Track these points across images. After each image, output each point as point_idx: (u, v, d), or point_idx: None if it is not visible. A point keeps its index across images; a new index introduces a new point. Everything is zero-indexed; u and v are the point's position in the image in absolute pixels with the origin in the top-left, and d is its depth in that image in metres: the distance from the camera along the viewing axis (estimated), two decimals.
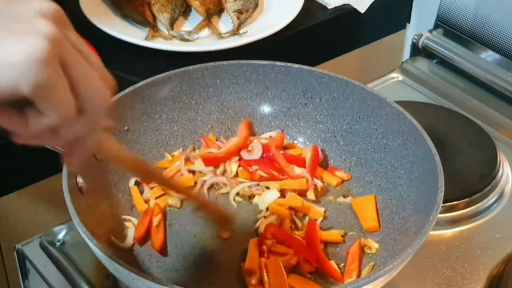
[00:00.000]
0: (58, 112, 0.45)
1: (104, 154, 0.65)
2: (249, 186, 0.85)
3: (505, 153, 0.97)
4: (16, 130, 0.47)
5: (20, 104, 0.45)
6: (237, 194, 0.85)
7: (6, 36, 0.43)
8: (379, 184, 0.84)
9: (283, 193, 0.84)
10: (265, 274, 0.74)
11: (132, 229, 0.79)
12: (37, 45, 0.43)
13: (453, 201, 0.87)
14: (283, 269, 0.74)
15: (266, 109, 0.92)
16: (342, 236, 0.80)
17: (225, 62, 0.90)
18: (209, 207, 0.79)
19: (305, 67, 0.89)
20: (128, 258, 0.76)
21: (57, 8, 0.46)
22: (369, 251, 0.78)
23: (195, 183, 0.86)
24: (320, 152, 0.88)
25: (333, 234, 0.80)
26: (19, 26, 0.44)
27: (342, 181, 0.87)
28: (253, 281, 0.73)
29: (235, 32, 1.11)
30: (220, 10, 1.18)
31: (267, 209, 0.82)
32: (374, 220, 0.80)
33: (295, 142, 0.92)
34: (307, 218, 0.82)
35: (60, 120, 0.46)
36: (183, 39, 1.09)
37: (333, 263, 0.76)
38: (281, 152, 0.89)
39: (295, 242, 0.78)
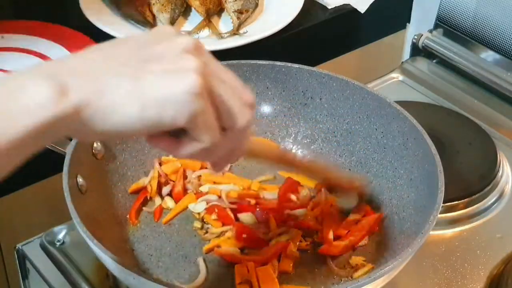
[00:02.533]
0: (208, 137, 0.51)
1: (248, 156, 0.70)
2: None
3: (505, 153, 0.97)
4: (171, 153, 0.54)
5: (176, 132, 0.50)
6: None
7: (163, 76, 0.47)
8: (379, 184, 0.84)
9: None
10: (256, 281, 0.73)
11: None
12: (190, 81, 0.48)
13: (453, 201, 0.87)
14: (275, 278, 0.74)
15: (266, 109, 0.92)
16: None
17: (225, 62, 0.89)
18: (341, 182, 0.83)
19: (305, 67, 0.89)
20: (128, 258, 0.76)
21: (196, 42, 0.51)
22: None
23: None
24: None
25: None
26: (170, 65, 0.48)
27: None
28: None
29: (235, 32, 1.11)
30: (220, 10, 1.18)
31: None
32: None
33: (296, 141, 0.92)
34: None
35: (209, 145, 0.51)
36: None
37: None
38: None
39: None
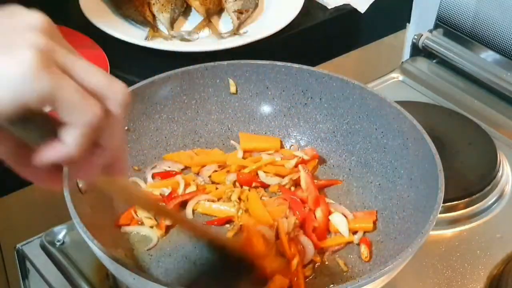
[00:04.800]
0: (80, 115, 0.43)
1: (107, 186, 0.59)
2: None
3: (505, 153, 0.96)
4: (58, 159, 0.45)
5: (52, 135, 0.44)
6: None
7: None
8: (379, 184, 0.84)
9: None
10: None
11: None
12: (26, 57, 0.41)
13: (453, 201, 0.87)
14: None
15: (266, 109, 0.92)
16: None
17: (225, 62, 0.90)
18: (214, 239, 0.76)
19: (305, 67, 0.89)
20: (128, 258, 0.76)
21: (45, 20, 0.45)
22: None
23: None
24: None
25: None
26: (7, 42, 0.42)
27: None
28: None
29: (235, 32, 1.11)
30: (220, 10, 1.18)
31: None
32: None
33: (295, 142, 0.92)
34: None
35: (91, 121, 0.43)
36: (183, 39, 1.09)
37: None
38: None
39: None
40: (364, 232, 0.80)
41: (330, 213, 0.82)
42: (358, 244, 0.79)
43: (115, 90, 0.46)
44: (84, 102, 0.43)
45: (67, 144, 0.43)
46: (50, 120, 0.43)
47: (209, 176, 0.87)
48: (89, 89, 0.44)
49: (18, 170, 0.47)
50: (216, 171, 0.87)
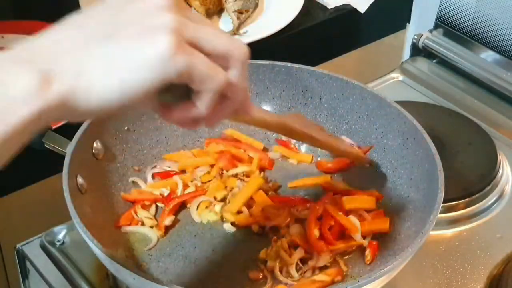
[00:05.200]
0: (209, 84, 0.50)
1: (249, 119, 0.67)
2: None
3: (505, 153, 0.97)
4: (192, 117, 0.53)
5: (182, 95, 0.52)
6: None
7: (134, 40, 0.47)
8: (379, 184, 0.84)
9: None
10: None
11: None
12: (162, 43, 0.46)
13: (453, 201, 0.87)
14: None
15: (266, 109, 0.91)
16: None
17: None
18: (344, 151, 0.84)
19: (305, 67, 0.89)
20: (129, 258, 0.76)
21: None
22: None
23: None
24: None
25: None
26: (140, 26, 0.47)
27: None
28: None
29: (235, 32, 1.11)
30: (220, 10, 1.18)
31: None
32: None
33: (295, 142, 0.92)
34: None
35: (217, 88, 0.51)
36: None
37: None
38: None
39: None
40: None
41: (347, 214, 0.80)
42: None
43: (237, 49, 0.52)
44: (212, 73, 0.50)
45: (198, 107, 0.52)
46: (184, 86, 0.50)
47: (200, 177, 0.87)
48: (216, 53, 0.50)
49: (164, 119, 0.55)
50: (209, 172, 0.87)
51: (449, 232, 0.86)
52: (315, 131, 0.80)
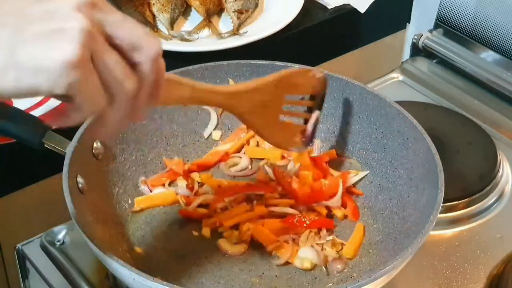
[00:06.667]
0: (91, 104, 0.50)
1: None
2: None
3: (505, 153, 0.97)
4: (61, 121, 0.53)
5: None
6: None
7: (42, 40, 0.46)
8: (379, 184, 0.84)
9: None
10: None
11: None
12: (68, 50, 0.46)
13: (453, 201, 0.87)
14: None
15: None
16: None
17: (225, 62, 0.89)
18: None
19: (305, 67, 0.89)
20: (128, 258, 0.76)
21: None
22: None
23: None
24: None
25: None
26: (53, 25, 0.47)
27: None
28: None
29: (235, 32, 1.11)
30: (220, 10, 1.18)
31: None
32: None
33: None
34: None
35: (93, 111, 0.51)
36: (183, 39, 1.09)
37: None
38: None
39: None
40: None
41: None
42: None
43: (148, 44, 0.52)
44: (96, 99, 0.50)
45: (71, 116, 0.52)
46: None
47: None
48: (125, 43, 0.51)
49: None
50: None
51: (449, 232, 0.86)
52: (261, 118, 0.77)
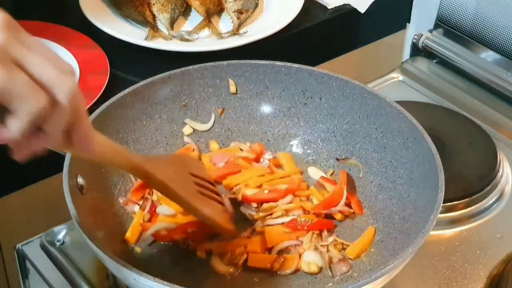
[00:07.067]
0: (26, 105, 0.47)
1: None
2: None
3: (505, 153, 0.97)
4: (4, 141, 0.49)
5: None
6: None
7: None
8: (379, 184, 0.84)
9: None
10: None
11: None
12: None
13: (453, 201, 0.87)
14: None
15: (266, 109, 0.92)
16: None
17: (225, 62, 0.90)
18: (207, 218, 0.75)
19: (305, 67, 0.89)
20: (128, 258, 0.76)
21: (4, 16, 0.48)
22: None
23: None
24: None
25: None
26: None
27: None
28: None
29: (235, 32, 1.11)
30: (220, 10, 1.18)
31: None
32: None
33: (296, 141, 0.92)
34: None
35: (33, 112, 0.47)
36: (183, 39, 1.09)
37: None
38: None
39: None
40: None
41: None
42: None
43: (62, 85, 0.49)
44: (32, 92, 0.47)
45: (10, 130, 0.47)
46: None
47: None
48: (39, 81, 0.47)
49: None
50: None
51: (449, 232, 0.86)
52: (183, 188, 0.72)
